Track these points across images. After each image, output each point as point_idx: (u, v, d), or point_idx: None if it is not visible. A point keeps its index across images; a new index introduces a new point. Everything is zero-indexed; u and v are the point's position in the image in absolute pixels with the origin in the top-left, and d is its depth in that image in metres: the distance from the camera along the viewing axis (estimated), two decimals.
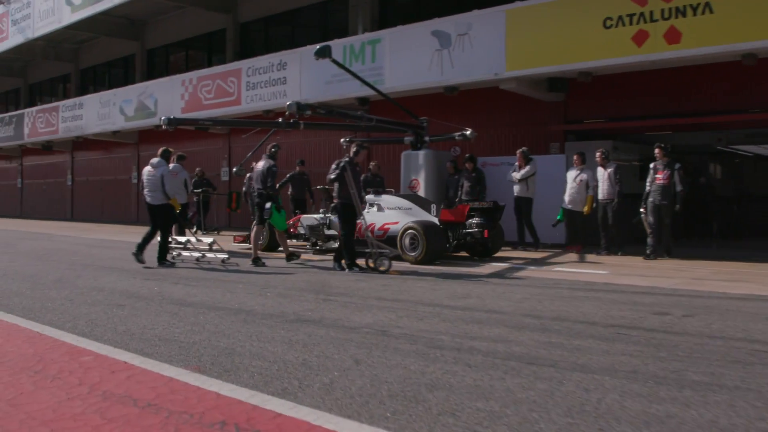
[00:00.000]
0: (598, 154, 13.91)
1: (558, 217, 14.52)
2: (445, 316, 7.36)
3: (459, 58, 16.58)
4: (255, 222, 13.18)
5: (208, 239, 13.66)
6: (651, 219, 12.94)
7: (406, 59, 17.66)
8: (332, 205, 11.65)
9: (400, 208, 13.83)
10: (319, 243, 15.48)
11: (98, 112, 28.77)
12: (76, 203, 35.42)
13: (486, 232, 13.10)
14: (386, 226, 13.63)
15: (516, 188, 15.12)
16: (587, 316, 7.36)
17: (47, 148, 33.85)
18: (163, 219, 12.76)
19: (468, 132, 15.71)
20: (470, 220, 13.13)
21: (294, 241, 16.15)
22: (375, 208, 13.82)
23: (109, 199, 32.66)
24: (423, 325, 6.91)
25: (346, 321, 7.11)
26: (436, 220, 13.12)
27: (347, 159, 11.68)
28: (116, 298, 8.66)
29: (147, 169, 12.95)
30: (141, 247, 12.40)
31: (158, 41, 30.89)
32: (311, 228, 15.32)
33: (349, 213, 11.64)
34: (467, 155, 16.51)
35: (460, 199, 15.44)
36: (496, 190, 16.43)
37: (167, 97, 24.67)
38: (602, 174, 13.80)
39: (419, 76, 17.40)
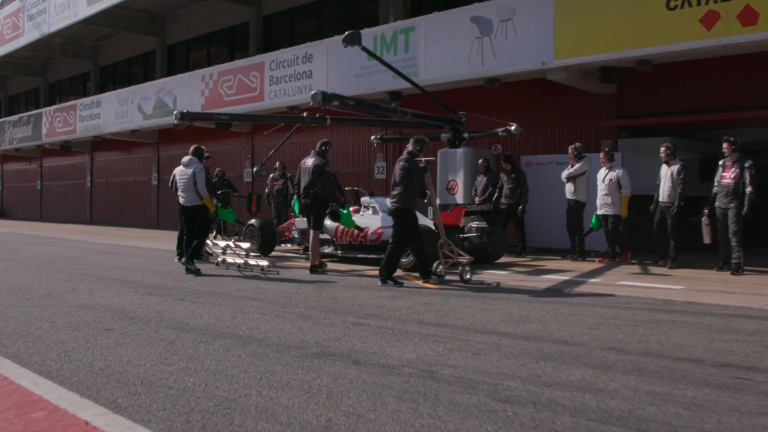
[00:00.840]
0: (662, 149, 12.26)
1: (591, 225, 12.94)
2: (505, 349, 5.83)
3: (501, 47, 15.01)
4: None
5: (244, 245, 12.50)
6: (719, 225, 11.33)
7: (443, 49, 16.12)
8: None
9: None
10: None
11: (116, 111, 27.55)
12: (95, 206, 34.29)
13: (485, 237, 12.08)
14: (380, 230, 12.40)
15: (566, 190, 13.56)
16: (686, 351, 5.80)
17: (66, 148, 32.73)
18: (201, 221, 11.73)
19: (513, 127, 14.16)
20: (469, 224, 12.01)
21: (288, 245, 14.84)
22: (370, 211, 12.62)
23: (129, 202, 31.47)
24: (480, 362, 5.39)
25: (382, 355, 5.61)
26: (431, 224, 11.71)
27: (408, 157, 10.23)
28: (106, 320, 7.24)
29: (179, 169, 11.86)
30: (190, 259, 11.47)
31: (179, 36, 29.65)
32: (304, 233, 13.95)
33: (409, 221, 10.11)
34: (504, 154, 14.93)
35: (500, 201, 13.94)
36: (543, 192, 14.89)
37: (186, 94, 23.35)
38: (665, 172, 12.16)
39: (457, 66, 15.85)
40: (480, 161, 14.75)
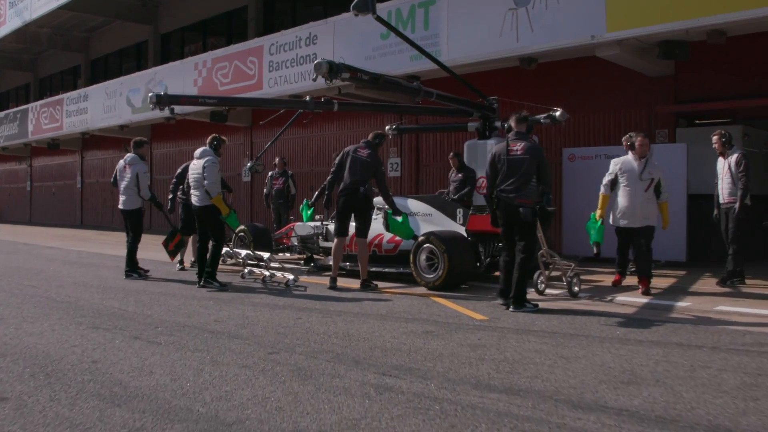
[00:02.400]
0: (714, 138, 9.82)
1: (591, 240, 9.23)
2: None
3: (541, 19, 12.62)
4: (334, 233, 9.70)
5: (264, 254, 10.73)
6: None
7: (470, 24, 13.75)
8: (523, 212, 7.61)
9: (415, 215, 10.28)
10: (316, 257, 11.79)
11: (104, 104, 25.24)
12: (85, 208, 32.01)
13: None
14: (397, 239, 10.09)
15: None
16: None
17: (54, 146, 30.40)
18: (214, 226, 9.58)
19: (557, 113, 11.74)
20: None
21: (287, 255, 12.52)
22: (383, 214, 10.11)
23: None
24: None
25: None
26: (462, 230, 9.55)
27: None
28: (9, 379, 4.89)
29: (192, 162, 9.75)
30: (210, 273, 9.55)
31: (173, 24, 27.33)
32: (303, 239, 11.66)
33: (534, 224, 7.91)
34: (536, 138, 12.49)
35: None
36: (588, 190, 12.47)
37: (178, 84, 21.00)
38: (722, 166, 9.71)
39: (487, 44, 13.47)
40: None
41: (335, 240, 9.49)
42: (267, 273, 9.90)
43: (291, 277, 9.53)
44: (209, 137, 9.70)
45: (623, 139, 11.45)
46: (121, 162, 11.32)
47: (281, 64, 17.69)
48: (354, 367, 5.10)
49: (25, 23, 28.65)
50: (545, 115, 11.92)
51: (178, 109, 20.05)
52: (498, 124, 12.99)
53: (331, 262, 11.06)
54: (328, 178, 9.78)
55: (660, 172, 9.10)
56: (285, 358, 5.43)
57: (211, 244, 9.45)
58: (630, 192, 9.01)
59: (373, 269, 9.83)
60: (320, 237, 11.33)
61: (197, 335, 6.34)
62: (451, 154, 12.60)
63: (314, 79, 9.08)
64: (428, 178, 17.41)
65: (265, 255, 10.32)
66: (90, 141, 30.23)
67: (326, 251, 11.50)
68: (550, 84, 14.46)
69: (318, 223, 11.53)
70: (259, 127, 21.52)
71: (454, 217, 10.02)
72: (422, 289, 9.15)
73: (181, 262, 11.60)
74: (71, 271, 11.82)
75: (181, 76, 21.03)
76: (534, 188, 7.65)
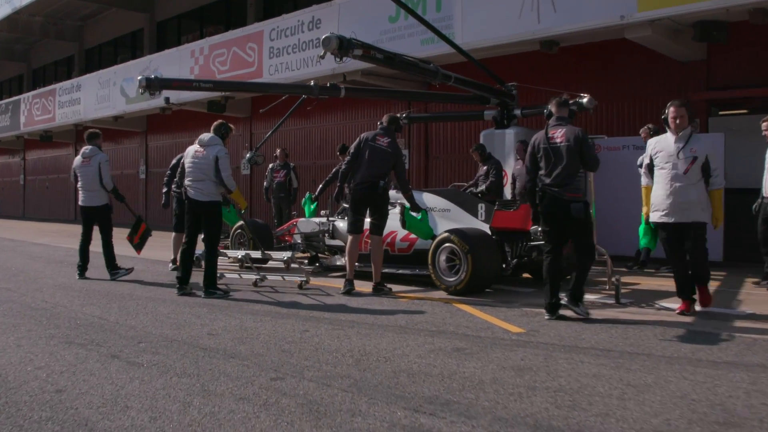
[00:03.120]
0: (764, 125, 8.84)
1: (640, 244, 7.95)
2: None
3: None
4: (349, 229, 8.62)
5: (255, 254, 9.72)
6: None
7: (486, 4, 12.74)
8: (573, 204, 6.68)
9: (432, 210, 9.23)
10: (321, 257, 10.84)
11: (97, 95, 24.24)
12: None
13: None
14: (412, 237, 9.09)
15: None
16: None
17: (47, 138, 29.40)
18: (215, 225, 8.48)
19: (585, 99, 10.80)
20: (536, 227, 8.27)
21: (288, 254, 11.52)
22: (397, 209, 9.07)
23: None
24: None
25: None
26: (486, 228, 8.56)
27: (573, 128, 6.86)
28: None
29: (192, 149, 8.52)
30: (211, 283, 8.32)
31: (169, 11, 26.32)
32: (307, 237, 10.72)
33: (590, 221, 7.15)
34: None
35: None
36: (615, 184, 11.50)
37: (174, 72, 19.95)
38: None
39: (504, 26, 12.47)
40: (517, 144, 11.39)
41: (349, 238, 8.49)
42: (257, 276, 8.93)
43: (302, 278, 8.63)
44: (216, 123, 8.64)
45: (641, 131, 10.53)
46: (79, 157, 10.34)
47: (282, 51, 16.71)
48: (377, 400, 4.12)
49: (15, 10, 27.66)
50: (572, 101, 10.93)
51: (173, 98, 19.14)
52: (517, 112, 12.06)
53: (338, 262, 10.14)
54: (342, 168, 8.72)
55: (709, 148, 6.89)
56: (292, 386, 4.45)
57: (204, 251, 8.40)
58: (665, 175, 6.80)
59: (386, 270, 8.86)
60: (326, 234, 10.34)
61: (186, 353, 5.35)
62: (473, 146, 11.57)
63: (322, 57, 8.04)
64: (438, 171, 16.41)
65: (286, 255, 9.39)
66: (84, 133, 29.14)
67: (332, 250, 10.53)
68: (572, 69, 13.49)
69: (323, 219, 10.54)
70: (258, 118, 20.55)
71: (474, 213, 9.04)
72: (441, 294, 8.18)
73: (174, 261, 10.61)
74: (54, 272, 10.85)
75: (177, 64, 20.04)
76: (582, 179, 6.72)
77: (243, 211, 8.56)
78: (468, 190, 11.09)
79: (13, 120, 30.35)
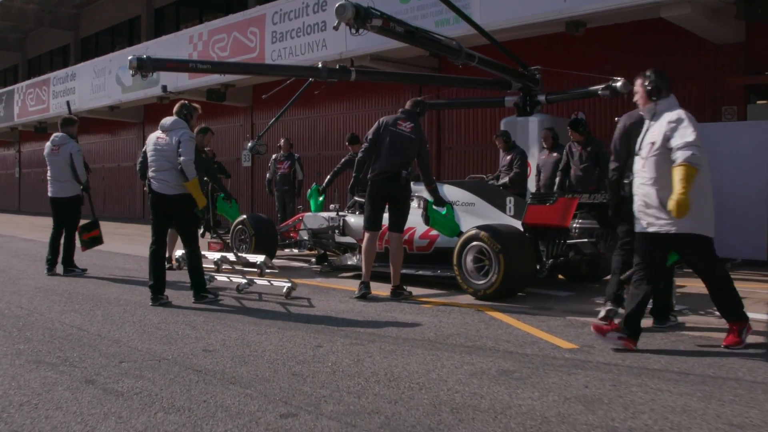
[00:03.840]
0: None
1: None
2: None
3: None
4: (365, 226, 7.64)
5: (257, 258, 8.46)
6: None
7: None
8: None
9: (454, 204, 8.19)
10: (330, 256, 9.86)
11: (92, 84, 23.30)
12: None
13: (602, 244, 7.61)
14: (432, 234, 8.11)
15: None
16: None
17: (41, 130, 28.38)
18: (185, 221, 7.40)
19: (619, 83, 9.82)
20: (573, 224, 7.52)
21: (294, 251, 10.58)
22: (415, 203, 8.19)
23: (111, 191, 27.19)
24: None
25: None
26: (515, 224, 7.60)
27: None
28: None
29: (153, 135, 7.51)
30: (199, 285, 7.34)
31: None
32: (315, 234, 9.78)
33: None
34: (575, 116, 10.52)
35: (564, 188, 9.65)
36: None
37: None
38: None
39: (527, 5, 11.53)
40: (543, 133, 10.44)
41: (366, 235, 7.53)
42: (243, 281, 7.88)
43: (287, 284, 7.47)
44: (178, 104, 7.66)
45: (617, 120, 9.60)
46: (48, 144, 9.48)
47: (286, 35, 15.76)
48: None
49: None
50: (603, 86, 10.03)
51: (171, 86, 18.18)
52: (542, 98, 11.13)
53: (349, 262, 9.22)
54: (359, 156, 7.73)
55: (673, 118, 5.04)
56: (308, 426, 3.52)
57: (185, 251, 7.45)
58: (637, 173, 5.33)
59: (404, 271, 7.90)
60: (336, 231, 9.41)
61: (177, 377, 4.43)
62: (497, 133, 10.63)
63: (335, 28, 7.04)
64: (451, 163, 15.44)
65: (259, 259, 8.28)
66: (80, 125, 28.19)
67: (343, 248, 9.60)
68: (598, 52, 12.54)
69: (333, 214, 9.60)
70: (260, 107, 19.63)
71: (502, 208, 8.09)
72: (468, 298, 7.26)
73: (169, 260, 9.63)
74: (38, 271, 9.92)
75: (175, 51, 18.96)
76: None
77: (201, 211, 7.31)
78: (490, 183, 10.18)
79: (6, 111, 29.42)
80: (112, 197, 27.16)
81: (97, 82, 23.03)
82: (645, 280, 5.10)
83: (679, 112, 4.98)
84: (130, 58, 8.86)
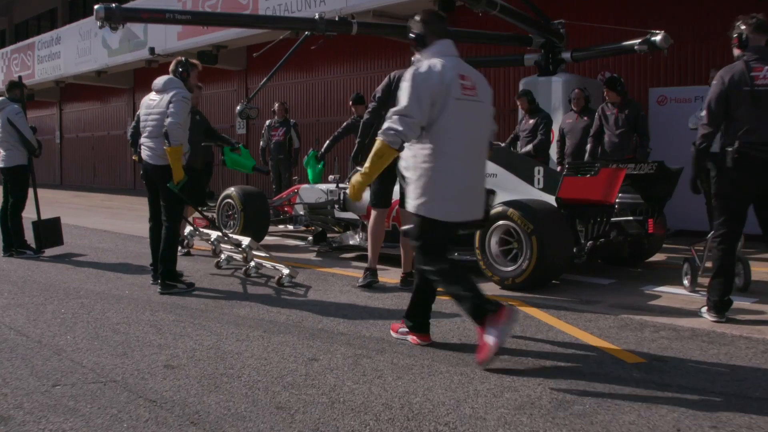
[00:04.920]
0: None
1: None
2: None
3: None
4: (372, 201, 6.38)
5: (243, 239, 7.12)
6: None
7: None
8: None
9: None
10: (330, 235, 8.63)
11: (78, 47, 22.02)
12: (65, 166, 28.92)
13: (651, 222, 6.48)
14: None
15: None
16: None
17: (28, 98, 26.95)
18: (173, 196, 6.25)
19: (658, 37, 8.61)
20: (620, 198, 6.48)
21: (289, 227, 9.33)
22: None
23: (102, 161, 26.01)
24: None
25: None
26: (549, 198, 6.37)
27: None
28: None
29: (146, 99, 6.42)
30: (168, 272, 6.23)
31: None
32: (312, 208, 8.61)
33: None
34: (609, 76, 9.26)
35: (595, 156, 8.48)
36: (683, 143, 9.36)
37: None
38: None
39: None
40: (574, 92, 9.17)
41: (373, 213, 6.33)
42: (252, 264, 6.78)
43: (286, 271, 6.41)
44: (173, 61, 6.49)
45: (712, 71, 8.43)
46: None
47: None
48: None
49: None
50: (641, 40, 8.82)
51: (159, 47, 16.93)
52: (566, 55, 9.91)
53: (351, 241, 8.06)
54: (365, 117, 6.41)
55: None
56: None
57: (164, 226, 6.34)
58: None
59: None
60: (336, 206, 8.24)
61: (121, 412, 3.29)
62: (519, 92, 9.39)
63: None
64: None
65: (245, 241, 7.10)
66: (68, 92, 27.08)
67: (344, 225, 8.43)
68: (623, 5, 11.22)
69: (332, 186, 8.40)
70: (255, 71, 18.36)
71: (529, 179, 6.90)
72: (493, 287, 6.11)
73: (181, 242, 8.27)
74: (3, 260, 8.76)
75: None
76: None
77: (177, 185, 6.09)
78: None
79: None
80: (102, 167, 26.00)
81: (83, 46, 21.75)
82: None
83: None
84: (96, 7, 7.66)
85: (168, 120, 5.95)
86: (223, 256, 7.21)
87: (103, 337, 4.66)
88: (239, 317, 5.18)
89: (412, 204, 4.14)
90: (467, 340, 4.47)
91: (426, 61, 4.06)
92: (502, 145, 10.22)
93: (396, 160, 6.08)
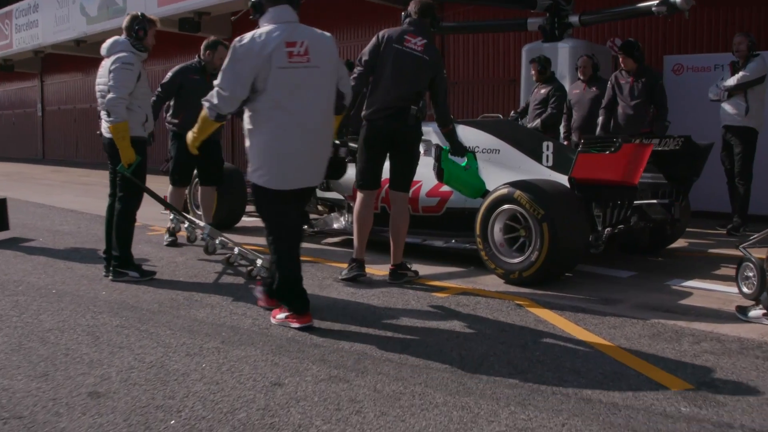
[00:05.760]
0: None
1: None
2: None
3: None
4: (358, 181, 5.53)
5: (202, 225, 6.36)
6: None
7: None
8: None
9: (475, 150, 6.02)
10: (312, 216, 7.67)
11: (56, 15, 20.94)
12: (47, 139, 27.88)
13: (677, 205, 5.78)
14: (444, 190, 6.08)
15: (726, 110, 7.59)
16: None
17: (8, 68, 26.08)
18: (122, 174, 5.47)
19: None
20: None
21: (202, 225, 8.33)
22: (422, 149, 6.15)
23: (84, 134, 24.96)
24: None
25: None
26: (559, 178, 5.60)
27: None
28: None
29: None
30: (120, 258, 5.48)
31: None
32: None
33: None
34: (624, 41, 8.32)
35: (608, 129, 7.65)
36: (703, 115, 8.52)
37: None
38: None
39: None
40: (581, 59, 8.28)
41: (359, 196, 5.48)
42: (236, 251, 5.92)
43: (259, 262, 5.57)
44: (127, 18, 5.60)
45: (735, 39, 7.61)
46: None
47: None
48: None
49: None
50: (659, 1, 7.92)
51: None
52: (574, 19, 9.05)
53: (336, 224, 7.21)
54: (350, 84, 5.11)
55: None
56: None
57: (117, 206, 5.53)
58: None
59: (406, 240, 5.97)
60: (321, 183, 7.37)
61: None
62: (534, 57, 8.43)
63: None
64: (457, 100, 13.25)
65: (205, 228, 6.22)
66: (49, 62, 25.99)
67: (328, 205, 7.57)
68: None
69: None
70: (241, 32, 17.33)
71: (537, 156, 6.07)
72: (496, 281, 5.31)
73: (169, 231, 7.34)
74: None
75: None
76: None
77: (129, 168, 5.20)
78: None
79: None
80: (84, 141, 25.01)
81: (61, 14, 20.69)
82: None
83: None
84: None
85: (109, 95, 5.18)
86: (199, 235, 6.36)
87: (27, 348, 3.83)
88: (196, 321, 4.35)
89: (248, 172, 4.19)
90: (468, 354, 3.66)
91: (251, 32, 4.03)
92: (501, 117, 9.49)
93: (393, 135, 5.27)
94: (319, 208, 7.70)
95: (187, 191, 7.68)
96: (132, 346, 3.85)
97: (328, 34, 4.38)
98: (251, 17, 4.20)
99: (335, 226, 7.20)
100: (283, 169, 4.07)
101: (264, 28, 4.05)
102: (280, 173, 4.08)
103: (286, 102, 4.01)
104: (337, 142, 5.28)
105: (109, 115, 5.24)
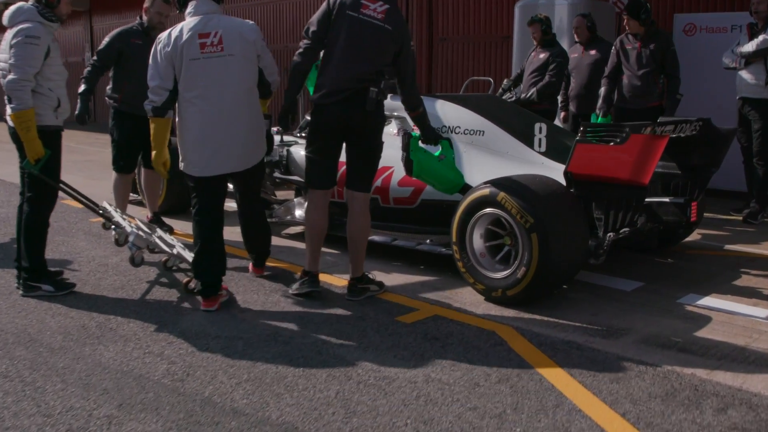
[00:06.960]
0: None
1: None
2: None
3: None
4: (308, 179, 4.66)
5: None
6: None
7: None
8: None
9: (453, 133, 5.36)
10: (273, 203, 6.68)
11: None
12: None
13: (694, 207, 4.77)
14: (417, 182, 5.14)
15: (743, 79, 6.63)
16: None
17: None
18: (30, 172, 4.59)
19: None
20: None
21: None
22: (393, 129, 5.68)
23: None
24: None
25: None
26: (553, 168, 4.82)
27: None
28: None
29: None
30: (30, 270, 4.63)
31: None
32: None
33: None
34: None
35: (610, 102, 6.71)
36: (717, 83, 7.59)
37: None
38: None
39: None
40: (575, 20, 7.31)
41: (310, 197, 4.60)
42: (175, 251, 5.02)
43: (175, 252, 4.83)
44: None
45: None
46: None
47: None
48: None
49: None
50: None
51: None
52: None
53: (298, 213, 6.28)
54: (295, 59, 4.44)
55: None
56: None
57: (24, 209, 4.64)
58: None
59: (372, 238, 5.12)
60: (278, 168, 6.49)
61: None
62: (534, 17, 7.33)
63: None
64: (445, 60, 12.19)
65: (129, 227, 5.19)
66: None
67: (297, 190, 6.66)
68: None
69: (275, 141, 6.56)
70: None
71: (528, 140, 5.18)
72: (476, 298, 4.46)
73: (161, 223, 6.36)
74: None
75: None
76: None
77: (36, 165, 4.26)
78: (510, 95, 7.23)
79: None
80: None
81: None
82: None
83: None
84: None
85: (9, 76, 4.28)
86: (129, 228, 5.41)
87: None
88: (99, 367, 3.50)
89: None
90: (426, 430, 2.82)
91: (171, 27, 4.27)
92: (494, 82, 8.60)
93: (348, 123, 4.39)
94: (276, 196, 6.81)
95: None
96: (37, 388, 3.09)
97: (250, 22, 4.48)
98: (178, 12, 4.43)
99: (297, 213, 6.27)
100: (204, 155, 4.26)
101: (184, 21, 4.23)
102: (203, 160, 4.26)
103: (201, 91, 4.20)
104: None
105: (10, 101, 4.33)
